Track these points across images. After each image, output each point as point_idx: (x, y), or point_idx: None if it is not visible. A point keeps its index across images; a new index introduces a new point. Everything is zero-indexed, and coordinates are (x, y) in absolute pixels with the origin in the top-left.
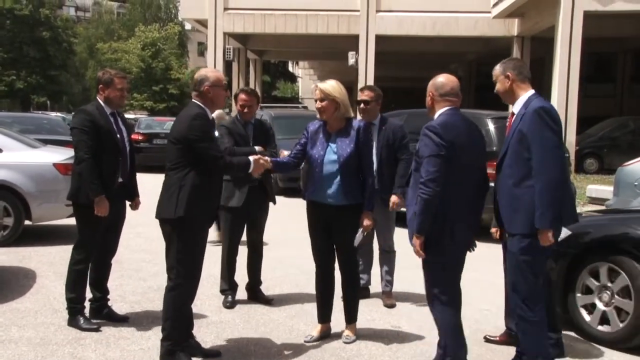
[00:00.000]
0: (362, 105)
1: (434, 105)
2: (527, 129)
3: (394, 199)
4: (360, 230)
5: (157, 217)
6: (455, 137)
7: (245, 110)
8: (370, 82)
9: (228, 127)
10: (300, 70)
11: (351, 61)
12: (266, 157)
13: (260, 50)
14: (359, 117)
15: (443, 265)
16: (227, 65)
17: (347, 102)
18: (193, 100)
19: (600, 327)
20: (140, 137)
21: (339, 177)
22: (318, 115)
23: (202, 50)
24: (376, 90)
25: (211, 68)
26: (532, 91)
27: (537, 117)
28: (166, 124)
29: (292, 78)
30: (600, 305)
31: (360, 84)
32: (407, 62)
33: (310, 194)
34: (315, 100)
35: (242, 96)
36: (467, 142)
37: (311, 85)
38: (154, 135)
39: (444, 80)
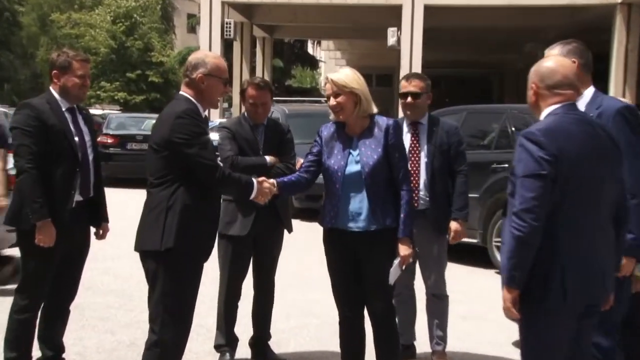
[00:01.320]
0: (408, 98)
1: (538, 102)
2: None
3: (454, 226)
4: (397, 261)
5: (137, 249)
6: (565, 147)
7: (259, 110)
8: (417, 68)
9: (231, 129)
10: (323, 52)
11: (391, 40)
12: (272, 181)
13: (271, 26)
14: (400, 114)
15: (546, 335)
16: (227, 46)
17: (369, 95)
18: (181, 92)
19: None
20: (109, 141)
21: (365, 194)
22: (332, 117)
23: (192, 25)
24: (426, 80)
25: (213, 53)
26: (592, 87)
27: (622, 119)
28: (145, 122)
29: (313, 63)
30: None
31: (404, 71)
32: (465, 41)
33: (329, 219)
34: (327, 97)
35: (252, 91)
36: (586, 153)
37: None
38: (129, 137)
39: (552, 65)
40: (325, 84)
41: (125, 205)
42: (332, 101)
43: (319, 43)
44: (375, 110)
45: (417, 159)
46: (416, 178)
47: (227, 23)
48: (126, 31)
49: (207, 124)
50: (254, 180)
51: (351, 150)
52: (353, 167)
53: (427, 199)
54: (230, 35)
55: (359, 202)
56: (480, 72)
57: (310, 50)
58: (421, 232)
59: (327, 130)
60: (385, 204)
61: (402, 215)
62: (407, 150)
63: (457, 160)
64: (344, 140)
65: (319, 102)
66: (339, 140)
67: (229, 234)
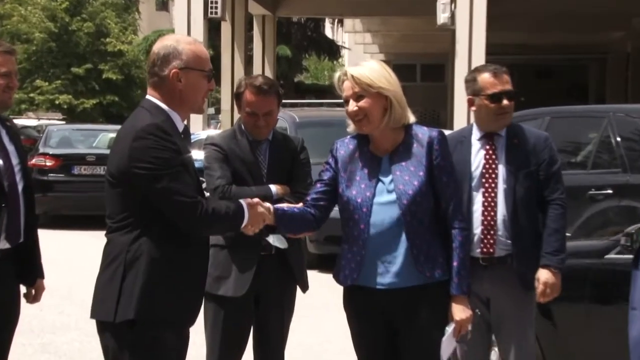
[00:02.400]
0: (504, 101)
1: None
2: None
3: (544, 276)
4: (450, 329)
5: (92, 316)
6: None
7: (260, 122)
8: (479, 56)
9: (222, 147)
10: (347, 35)
11: (443, 17)
12: (267, 205)
13: (273, 0)
14: (474, 128)
15: None
16: (213, 28)
17: (403, 98)
18: (147, 96)
19: None
20: (48, 163)
21: (402, 235)
22: (351, 128)
23: (163, 0)
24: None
25: (187, 37)
26: None
27: None
28: (99, 136)
29: (332, 50)
30: None
31: (461, 60)
32: (547, 17)
33: (348, 273)
34: (345, 100)
35: (252, 96)
36: None
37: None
38: (76, 158)
39: None
40: (343, 81)
41: (73, 254)
42: (352, 105)
43: (340, 23)
44: (412, 119)
45: (493, 184)
46: (492, 212)
47: None
48: (70, 9)
49: (187, 138)
50: (244, 203)
51: (381, 177)
52: (384, 199)
53: (508, 240)
54: (216, 12)
55: (393, 248)
56: (569, 59)
57: (329, 32)
58: (499, 287)
59: (344, 147)
60: (431, 248)
61: (454, 264)
62: (478, 172)
63: (550, 185)
64: (369, 161)
65: (344, 105)
66: (362, 161)
67: (219, 294)
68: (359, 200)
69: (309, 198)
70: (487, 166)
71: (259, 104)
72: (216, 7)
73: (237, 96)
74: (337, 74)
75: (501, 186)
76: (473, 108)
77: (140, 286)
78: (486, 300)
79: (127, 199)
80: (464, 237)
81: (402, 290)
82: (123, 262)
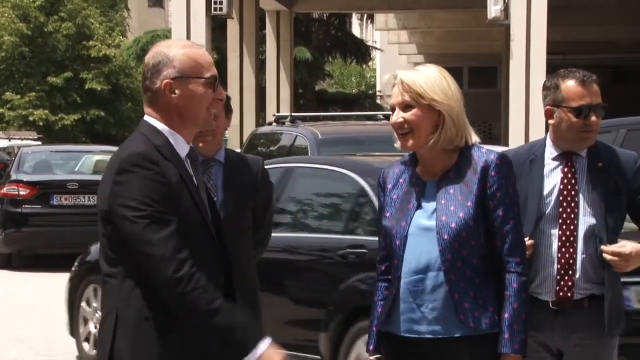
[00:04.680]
0: (592, 117)
1: None
2: None
3: None
4: None
5: None
6: None
7: (206, 135)
8: (540, 57)
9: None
10: (379, 33)
11: (494, 11)
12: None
13: None
14: (548, 144)
15: None
16: (217, 28)
17: (463, 114)
18: (145, 117)
19: None
20: (22, 192)
21: (442, 275)
22: (398, 143)
23: None
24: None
25: (182, 40)
26: None
27: None
28: (82, 159)
29: (360, 51)
30: None
31: (517, 60)
32: (619, 10)
33: (380, 316)
34: (392, 109)
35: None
36: None
37: (406, 69)
38: (55, 186)
39: None
40: (394, 85)
41: (51, 301)
42: (398, 116)
43: (370, 19)
44: (474, 139)
45: (572, 215)
46: (570, 248)
47: None
48: (46, 6)
49: (195, 162)
50: (263, 342)
51: (423, 205)
52: (422, 232)
53: (587, 284)
54: (221, 9)
55: (430, 290)
56: None
57: (356, 31)
58: (574, 337)
59: (392, 173)
60: (479, 294)
61: (505, 316)
62: (553, 199)
63: None
64: (412, 186)
65: (376, 118)
66: (405, 186)
67: None
68: (393, 231)
69: (382, 268)
70: (565, 193)
71: None
72: (221, 2)
73: None
74: (386, 77)
75: (582, 218)
76: (551, 121)
77: (129, 349)
78: (557, 352)
79: (115, 241)
80: (520, 283)
81: (439, 342)
82: (114, 320)
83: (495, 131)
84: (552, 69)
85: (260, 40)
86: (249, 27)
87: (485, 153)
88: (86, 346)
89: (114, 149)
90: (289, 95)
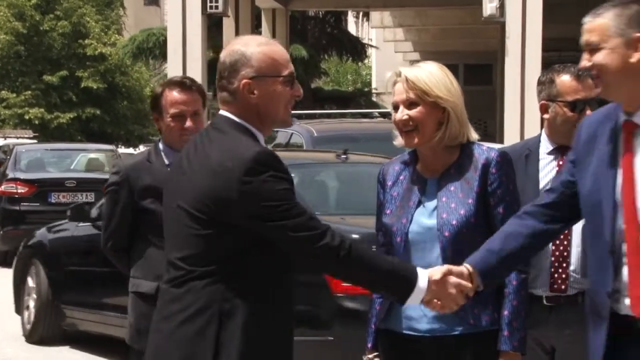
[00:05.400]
0: (586, 110)
1: None
2: None
3: None
4: None
5: None
6: None
7: (190, 125)
8: (535, 54)
9: (128, 175)
10: (374, 31)
11: (490, 8)
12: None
13: None
14: (543, 138)
15: None
16: (213, 25)
17: (464, 111)
18: (222, 112)
19: None
20: (19, 190)
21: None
22: (398, 141)
23: None
24: None
25: (258, 37)
26: None
27: None
28: (78, 156)
29: (356, 49)
30: None
31: (513, 57)
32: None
33: (379, 313)
34: (395, 107)
35: (176, 94)
36: None
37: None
38: (53, 183)
39: None
40: (394, 83)
41: None
42: (403, 113)
43: (366, 16)
44: (473, 136)
45: None
46: (564, 241)
47: None
48: (41, 5)
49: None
50: (420, 272)
51: (424, 202)
52: (423, 229)
53: (581, 277)
54: (217, 7)
55: None
56: None
57: (352, 28)
58: (568, 333)
59: (393, 170)
60: (479, 292)
61: (505, 313)
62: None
63: None
64: (413, 183)
65: (372, 116)
66: (406, 183)
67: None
68: (394, 229)
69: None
70: None
71: (185, 100)
72: (217, 1)
73: (154, 103)
74: (389, 74)
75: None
76: (546, 115)
77: (240, 344)
78: (550, 349)
79: (221, 243)
80: (520, 281)
81: (440, 339)
82: (217, 315)
83: (490, 128)
84: (548, 66)
85: None
86: (244, 25)
87: (485, 150)
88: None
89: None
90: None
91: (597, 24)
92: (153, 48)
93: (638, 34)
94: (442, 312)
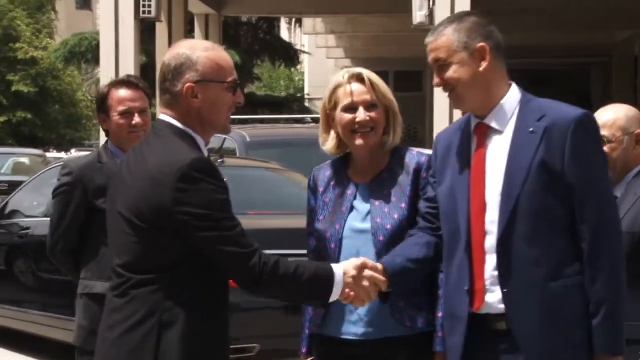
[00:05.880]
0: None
1: None
2: (569, 159)
3: None
4: None
5: None
6: None
7: (137, 121)
8: None
9: (76, 174)
10: (307, 37)
11: (419, 16)
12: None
13: None
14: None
15: None
16: (146, 30)
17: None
18: (161, 115)
19: None
20: None
21: None
22: (328, 146)
23: None
24: None
25: (203, 41)
26: (514, 84)
27: (588, 135)
28: (8, 160)
29: (288, 55)
30: None
31: None
32: (543, 13)
33: (313, 318)
34: (349, 107)
35: (119, 93)
36: None
37: (334, 72)
38: None
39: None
40: (350, 81)
41: None
42: (364, 114)
43: (298, 23)
44: (398, 140)
45: None
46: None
47: None
48: None
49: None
50: (336, 268)
51: (356, 207)
52: (357, 233)
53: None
54: (150, 12)
55: None
56: (568, 63)
57: (285, 34)
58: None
59: (322, 175)
60: (413, 294)
61: (439, 315)
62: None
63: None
64: (344, 189)
65: (305, 121)
66: (337, 189)
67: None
68: (327, 234)
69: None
70: None
71: (132, 97)
72: (149, 5)
73: (100, 104)
74: (339, 75)
75: None
76: None
77: (178, 355)
78: None
79: (158, 250)
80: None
81: (376, 342)
82: (157, 326)
83: (420, 134)
84: None
85: None
86: (177, 30)
87: (416, 155)
88: None
89: (37, 151)
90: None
91: (441, 42)
92: (85, 52)
93: (480, 44)
94: (354, 305)
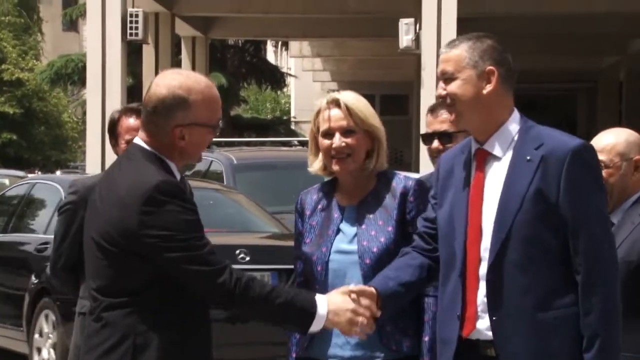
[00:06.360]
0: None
1: None
2: (564, 191)
3: None
4: None
5: None
6: None
7: None
8: None
9: (86, 192)
10: (293, 60)
11: (406, 40)
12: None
13: (205, 19)
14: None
15: None
16: (133, 52)
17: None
18: (136, 140)
19: None
20: None
21: None
22: (315, 168)
23: (72, 17)
24: None
25: (199, 77)
26: (516, 111)
27: (585, 166)
28: None
29: (275, 78)
30: None
31: (427, 89)
32: (529, 39)
33: (300, 341)
34: (326, 133)
35: (131, 122)
36: None
37: (320, 95)
38: None
39: None
40: (329, 107)
41: None
42: (340, 140)
43: (285, 46)
44: (385, 165)
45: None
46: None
47: (132, 15)
48: None
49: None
50: (318, 298)
51: (342, 230)
52: (344, 256)
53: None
54: (137, 34)
55: None
56: (555, 89)
57: (271, 57)
58: None
59: (308, 199)
60: (399, 318)
61: (425, 339)
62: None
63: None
64: (331, 212)
65: (291, 144)
66: (324, 212)
67: None
68: (314, 257)
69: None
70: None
71: (140, 128)
72: (137, 28)
73: (111, 129)
74: (323, 99)
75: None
76: None
77: None
78: None
79: (130, 274)
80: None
81: None
82: (131, 350)
83: (406, 158)
84: None
85: (176, 66)
86: (164, 52)
87: (403, 179)
88: None
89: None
90: None
91: (453, 55)
92: (72, 74)
93: (490, 67)
94: (360, 336)
